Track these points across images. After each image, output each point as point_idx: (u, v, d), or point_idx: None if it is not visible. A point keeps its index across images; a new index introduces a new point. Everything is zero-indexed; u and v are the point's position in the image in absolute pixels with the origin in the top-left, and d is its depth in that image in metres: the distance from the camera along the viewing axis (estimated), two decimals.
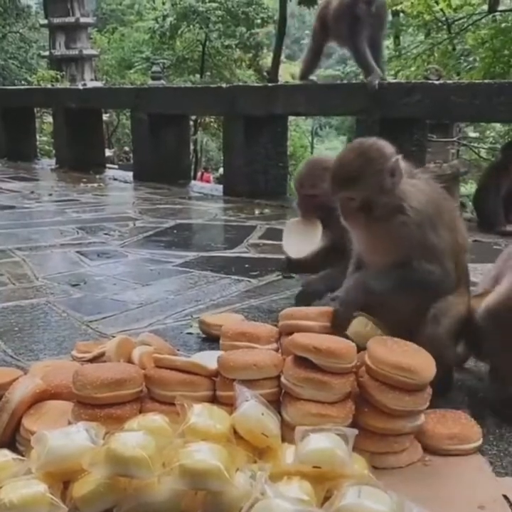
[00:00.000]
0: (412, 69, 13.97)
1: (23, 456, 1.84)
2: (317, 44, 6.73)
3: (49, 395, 2.10)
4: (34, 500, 1.58)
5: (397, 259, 2.30)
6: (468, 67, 14.77)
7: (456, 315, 2.36)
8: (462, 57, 15.02)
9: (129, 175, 9.02)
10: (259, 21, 23.65)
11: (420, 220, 2.25)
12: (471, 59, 15.02)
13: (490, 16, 14.42)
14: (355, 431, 1.78)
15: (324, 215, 3.02)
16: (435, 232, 2.28)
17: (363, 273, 2.39)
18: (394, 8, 15.63)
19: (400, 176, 2.23)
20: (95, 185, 8.39)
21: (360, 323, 2.33)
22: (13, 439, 2.01)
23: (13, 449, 1.92)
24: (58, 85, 17.89)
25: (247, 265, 4.33)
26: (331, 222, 3.02)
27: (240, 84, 16.84)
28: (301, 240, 3.05)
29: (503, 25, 13.99)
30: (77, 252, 4.78)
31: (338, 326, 2.28)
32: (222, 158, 9.78)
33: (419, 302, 2.34)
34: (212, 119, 21.41)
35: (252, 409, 1.84)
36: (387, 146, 2.29)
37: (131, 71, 26.53)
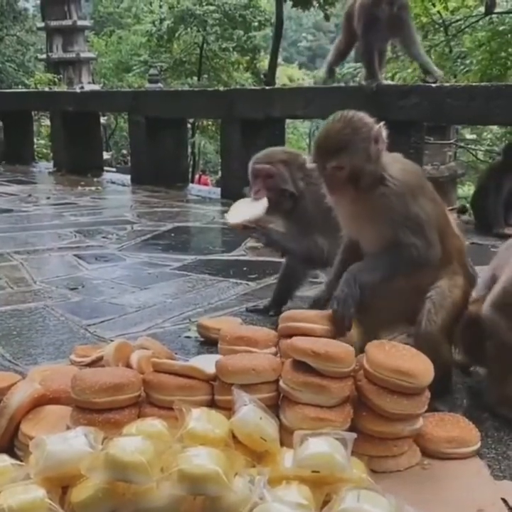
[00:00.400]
0: (409, 71, 13.96)
1: (21, 461, 1.83)
2: (345, 41, 6.47)
3: (47, 400, 2.10)
4: (33, 506, 1.57)
5: (383, 233, 2.30)
6: (464, 69, 14.77)
7: (452, 305, 2.35)
8: (459, 60, 15.04)
9: (127, 178, 9.02)
10: (256, 24, 23.60)
11: (401, 190, 2.27)
12: (467, 62, 15.03)
13: (486, 18, 14.44)
14: (354, 435, 1.78)
15: (276, 198, 3.05)
16: (416, 202, 2.30)
17: (351, 268, 2.38)
18: None
19: (383, 143, 2.27)
20: (93, 188, 8.39)
21: None
22: (12, 445, 2.01)
23: (12, 454, 1.92)
24: (56, 88, 17.89)
25: (245, 268, 4.33)
26: (284, 205, 3.08)
27: (238, 87, 16.87)
28: (244, 210, 3.07)
29: (501, 28, 14.00)
30: (75, 255, 4.77)
31: (339, 326, 2.27)
32: (219, 161, 9.78)
33: (410, 281, 2.34)
34: (210, 122, 21.41)
35: (250, 413, 1.84)
36: (367, 116, 2.33)
37: (129, 74, 26.52)
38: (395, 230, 2.28)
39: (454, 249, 2.45)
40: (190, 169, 19.18)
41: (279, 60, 27.04)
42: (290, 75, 35.81)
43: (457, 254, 2.46)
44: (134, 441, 1.67)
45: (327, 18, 21.01)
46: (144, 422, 1.86)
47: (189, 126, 18.78)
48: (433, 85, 5.90)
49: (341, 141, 2.22)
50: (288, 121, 10.70)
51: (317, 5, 19.68)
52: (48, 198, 7.69)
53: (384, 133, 2.28)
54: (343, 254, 2.58)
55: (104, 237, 5.39)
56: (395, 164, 2.34)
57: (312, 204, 3.02)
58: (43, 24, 25.36)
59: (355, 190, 2.26)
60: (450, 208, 11.57)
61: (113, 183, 8.98)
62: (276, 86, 17.72)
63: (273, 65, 21.66)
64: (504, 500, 1.83)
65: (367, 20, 5.78)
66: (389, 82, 6.35)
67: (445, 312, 2.33)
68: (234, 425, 1.84)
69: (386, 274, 2.32)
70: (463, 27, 14.94)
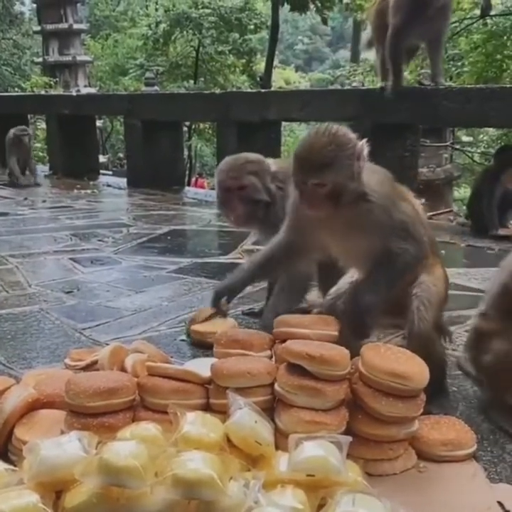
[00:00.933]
0: (405, 73, 14.00)
1: (15, 466, 1.82)
2: (382, 43, 6.00)
3: (41, 404, 2.09)
4: (26, 511, 1.56)
5: (371, 246, 2.30)
6: (456, 71, 14.82)
7: (438, 299, 2.37)
8: (451, 62, 15.06)
9: (123, 181, 9.01)
10: (252, 27, 23.61)
11: (384, 203, 2.26)
12: (459, 64, 15.08)
13: (481, 20, 14.46)
14: (349, 438, 1.78)
15: (251, 209, 3.04)
16: (398, 209, 2.29)
17: (351, 295, 2.35)
18: None
19: (363, 160, 2.21)
20: (89, 191, 8.39)
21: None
22: (6, 449, 2.00)
23: (5, 458, 1.92)
24: (52, 92, 17.88)
25: None
26: (258, 215, 3.07)
27: (234, 90, 16.88)
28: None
29: (493, 28, 14.02)
30: (71, 258, 4.77)
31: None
32: (216, 164, 9.79)
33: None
34: (207, 125, 21.43)
35: (245, 417, 1.83)
36: (349, 131, 2.26)
37: (126, 78, 26.52)
38: (384, 241, 2.27)
39: (429, 240, 2.45)
40: (187, 172, 19.19)
41: (276, 62, 27.08)
42: (286, 77, 35.84)
43: (430, 246, 2.47)
44: (128, 445, 1.66)
45: (325, 21, 21.03)
46: (138, 426, 1.86)
47: (186, 129, 18.81)
48: (428, 88, 5.91)
49: (326, 158, 2.14)
50: (284, 123, 10.71)
51: (314, 9, 19.70)
52: (44, 201, 7.68)
53: (366, 150, 2.22)
54: (276, 253, 2.56)
55: (99, 240, 5.38)
56: (371, 176, 2.28)
57: (282, 210, 3.01)
58: (39, 28, 25.38)
59: (333, 207, 2.21)
60: (447, 210, 11.59)
61: (109, 186, 8.97)
62: (273, 89, 17.78)
63: (269, 67, 21.70)
64: (500, 504, 1.82)
65: (410, 12, 5.33)
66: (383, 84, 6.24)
67: (434, 308, 2.34)
68: (229, 429, 1.83)
69: (389, 288, 2.32)
70: (458, 29, 14.96)
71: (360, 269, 2.42)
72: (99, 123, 16.55)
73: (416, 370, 1.98)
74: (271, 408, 2.00)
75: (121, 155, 23.33)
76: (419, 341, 2.27)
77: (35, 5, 27.70)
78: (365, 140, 2.23)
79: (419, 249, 2.32)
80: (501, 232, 5.61)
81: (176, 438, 1.75)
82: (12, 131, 8.79)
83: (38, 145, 15.94)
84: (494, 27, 14.18)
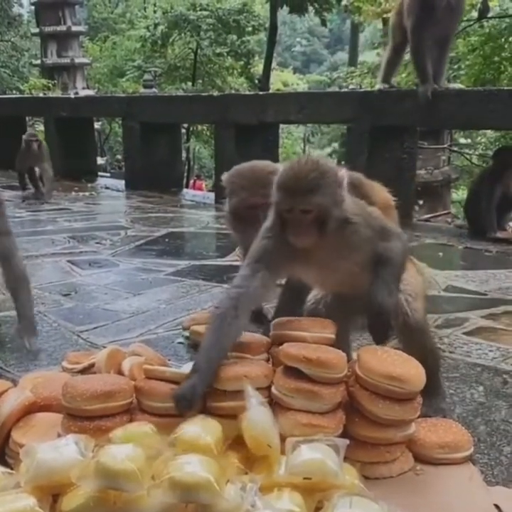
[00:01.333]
0: (403, 75, 13.99)
1: (12, 469, 1.83)
2: (396, 42, 6.15)
3: (38, 407, 2.09)
4: None
5: (362, 262, 2.30)
6: (452, 74, 14.84)
7: (421, 290, 2.45)
8: (448, 64, 15.07)
9: (121, 183, 9.01)
10: (250, 29, 23.61)
11: (364, 221, 2.28)
12: (455, 66, 15.08)
13: (478, 22, 14.48)
14: (346, 441, 1.78)
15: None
16: (374, 217, 2.33)
17: (370, 308, 2.31)
18: (385, 15, 15.68)
19: (344, 188, 2.24)
20: (87, 193, 8.39)
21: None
22: (2, 452, 2.00)
23: (2, 462, 1.92)
24: (50, 94, 17.89)
25: None
26: None
27: (232, 92, 16.89)
28: None
29: (491, 30, 14.04)
30: (69, 261, 4.77)
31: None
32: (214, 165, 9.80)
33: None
34: (205, 127, 21.42)
35: (264, 417, 1.83)
36: (330, 160, 2.34)
37: (123, 79, 26.53)
38: (373, 251, 2.30)
39: None
40: (185, 174, 19.19)
41: (274, 64, 27.07)
42: (284, 79, 35.80)
43: None
44: (125, 449, 1.66)
45: (324, 23, 21.02)
46: (132, 425, 1.87)
47: (184, 131, 18.80)
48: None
49: (311, 184, 2.16)
50: (282, 125, 10.72)
51: (313, 11, 19.71)
52: (42, 203, 7.68)
53: (346, 179, 2.24)
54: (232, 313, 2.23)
55: (97, 243, 5.38)
56: (348, 201, 2.28)
57: None
58: (37, 30, 25.42)
59: (319, 235, 2.20)
60: (445, 212, 11.55)
61: (107, 188, 8.98)
62: (271, 91, 17.79)
63: (267, 69, 21.69)
64: (497, 507, 1.82)
65: (420, 12, 5.38)
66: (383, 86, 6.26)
67: (421, 299, 2.41)
68: (244, 423, 1.83)
69: (397, 285, 2.32)
70: (456, 32, 14.97)
71: (351, 287, 2.42)
72: (97, 125, 16.59)
73: (412, 372, 1.98)
74: None
75: (119, 157, 23.31)
76: (416, 331, 2.31)
77: (33, 7, 27.75)
78: (344, 169, 2.25)
79: (402, 239, 2.37)
80: (499, 234, 5.61)
81: (175, 437, 1.76)
82: (23, 137, 8.27)
83: None
84: (491, 29, 14.19)
